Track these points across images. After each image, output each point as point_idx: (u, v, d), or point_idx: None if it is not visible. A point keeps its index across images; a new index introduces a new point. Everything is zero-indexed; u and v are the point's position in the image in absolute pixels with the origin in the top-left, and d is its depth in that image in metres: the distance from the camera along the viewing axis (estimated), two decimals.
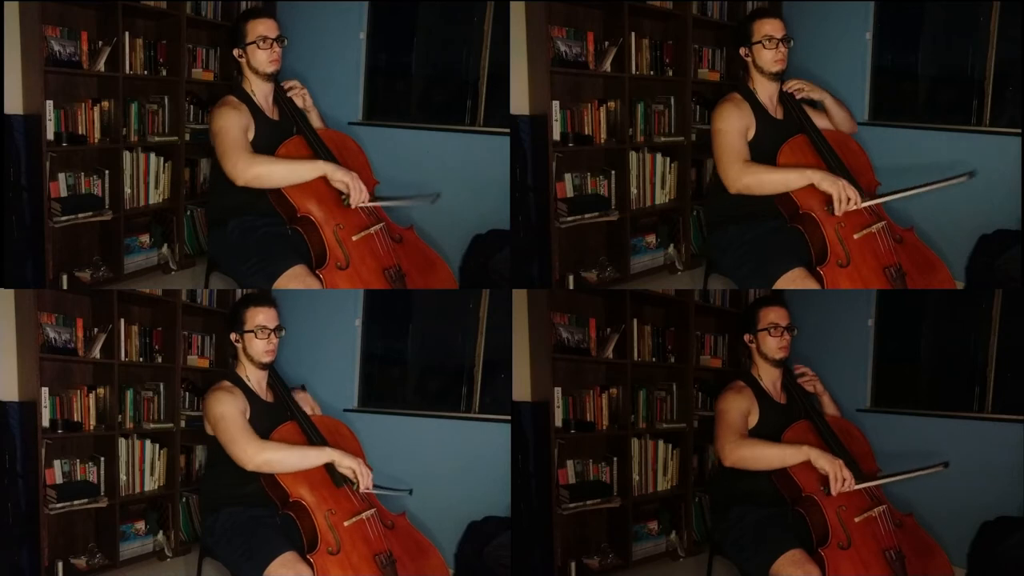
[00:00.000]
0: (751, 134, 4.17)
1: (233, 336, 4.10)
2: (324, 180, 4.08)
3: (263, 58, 4.16)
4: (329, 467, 4.00)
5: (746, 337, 4.23)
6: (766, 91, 4.22)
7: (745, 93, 4.22)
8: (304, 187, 4.07)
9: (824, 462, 3.95)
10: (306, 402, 4.24)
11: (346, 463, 3.98)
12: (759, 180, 4.10)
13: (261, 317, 4.08)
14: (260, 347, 4.07)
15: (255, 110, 4.16)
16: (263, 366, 4.10)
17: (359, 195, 4.07)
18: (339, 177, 4.07)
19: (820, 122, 4.27)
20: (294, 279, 4.00)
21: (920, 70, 4.72)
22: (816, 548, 3.93)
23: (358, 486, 3.97)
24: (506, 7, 4.51)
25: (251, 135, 4.11)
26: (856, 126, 4.38)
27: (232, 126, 4.07)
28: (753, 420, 4.13)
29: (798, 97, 4.26)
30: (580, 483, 4.57)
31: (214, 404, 4.01)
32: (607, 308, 4.75)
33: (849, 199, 4.00)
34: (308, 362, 4.58)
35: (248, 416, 4.02)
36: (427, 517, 4.34)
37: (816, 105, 4.31)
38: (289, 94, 4.26)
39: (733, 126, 4.16)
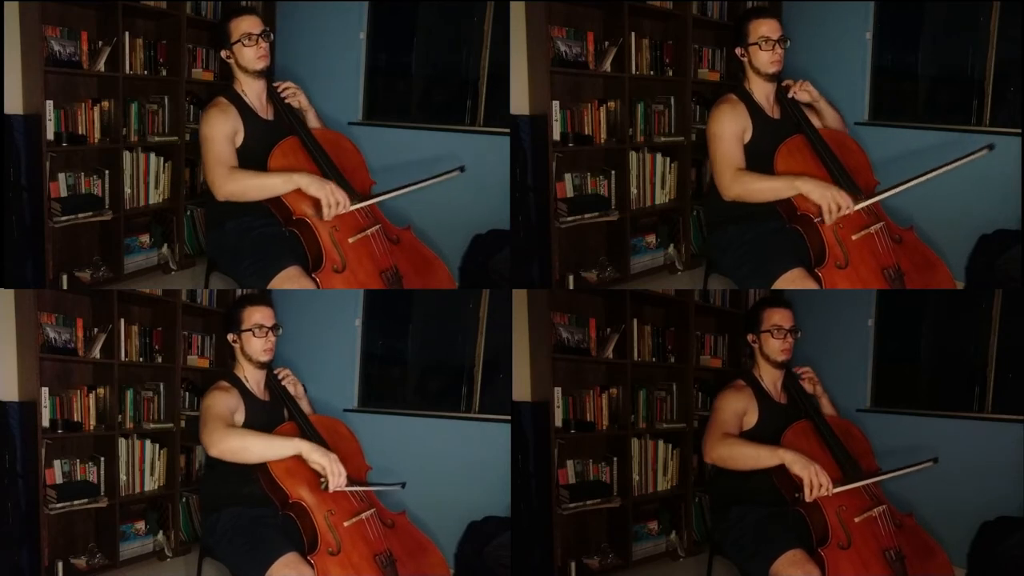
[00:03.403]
0: (748, 136, 4.16)
1: (231, 337, 4.10)
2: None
3: (250, 55, 4.12)
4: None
5: (749, 337, 4.22)
6: (762, 91, 4.22)
7: (741, 94, 4.21)
8: (299, 191, 4.04)
9: (798, 467, 3.89)
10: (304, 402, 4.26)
11: (315, 458, 3.91)
12: (748, 190, 4.10)
13: (258, 316, 4.08)
14: (258, 345, 4.07)
15: (246, 111, 4.12)
16: (261, 365, 4.10)
17: (337, 478, 3.89)
18: (313, 191, 3.99)
19: (816, 121, 4.26)
20: (288, 280, 3.99)
21: (920, 70, 4.72)
22: (816, 548, 3.93)
23: (327, 485, 3.91)
24: (506, 7, 4.51)
25: (239, 140, 4.07)
26: (846, 130, 4.37)
27: (217, 135, 4.03)
28: (752, 420, 4.13)
29: (789, 95, 4.24)
30: (580, 483, 4.57)
31: (206, 398, 4.03)
32: (607, 308, 4.75)
33: (839, 207, 3.98)
34: (308, 362, 4.58)
35: (243, 417, 4.02)
36: (427, 517, 4.34)
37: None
38: (283, 95, 4.22)
39: (728, 131, 4.15)
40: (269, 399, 4.14)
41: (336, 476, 3.90)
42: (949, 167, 4.04)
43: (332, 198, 3.99)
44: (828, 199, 3.99)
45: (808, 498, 3.87)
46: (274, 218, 4.08)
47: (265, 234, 4.06)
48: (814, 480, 3.87)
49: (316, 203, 4.02)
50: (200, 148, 4.08)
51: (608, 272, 4.83)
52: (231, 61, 4.15)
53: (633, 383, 4.75)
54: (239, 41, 4.11)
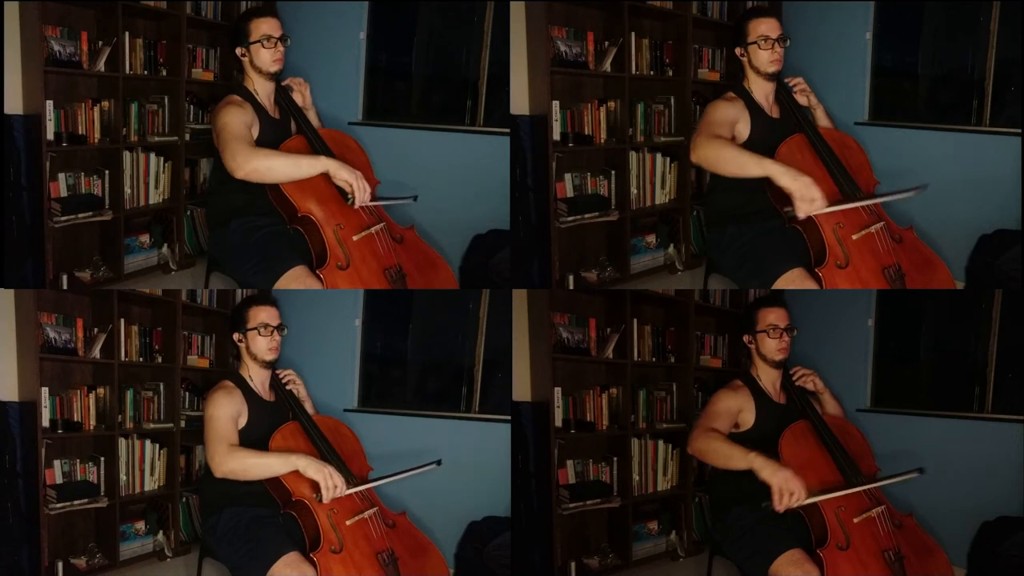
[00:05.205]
0: (745, 131, 4.14)
1: (236, 336, 4.11)
2: (325, 179, 4.07)
3: (267, 57, 4.15)
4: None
5: (745, 338, 4.22)
6: (762, 90, 4.22)
7: (740, 92, 4.21)
8: (305, 187, 4.06)
9: (766, 474, 3.85)
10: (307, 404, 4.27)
11: (311, 473, 3.91)
12: (717, 155, 3.99)
13: (264, 315, 4.09)
14: (263, 344, 4.08)
15: (258, 109, 4.15)
16: (266, 364, 4.11)
17: (363, 194, 4.05)
18: (343, 176, 4.05)
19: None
20: (295, 280, 4.00)
21: (920, 70, 4.72)
22: (815, 548, 3.93)
23: (321, 499, 3.91)
24: (506, 7, 4.51)
25: (256, 132, 4.10)
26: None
27: (237, 121, 4.05)
28: (749, 420, 4.13)
29: (796, 90, 4.24)
30: (580, 483, 4.57)
31: (208, 405, 4.02)
32: (607, 308, 4.76)
33: (814, 200, 3.89)
34: (308, 362, 4.58)
35: (247, 418, 4.02)
36: (427, 517, 4.35)
37: (807, 112, 4.31)
38: (290, 89, 4.28)
39: (719, 115, 4.11)
40: (274, 399, 4.14)
41: (331, 490, 3.90)
42: (885, 199, 4.07)
43: (359, 183, 4.02)
44: (804, 184, 3.90)
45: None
46: (278, 217, 4.08)
47: (271, 233, 4.07)
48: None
49: (325, 197, 4.05)
50: (217, 136, 4.05)
51: (608, 272, 4.83)
52: (245, 59, 4.17)
53: (633, 383, 4.75)
54: (258, 42, 4.14)
